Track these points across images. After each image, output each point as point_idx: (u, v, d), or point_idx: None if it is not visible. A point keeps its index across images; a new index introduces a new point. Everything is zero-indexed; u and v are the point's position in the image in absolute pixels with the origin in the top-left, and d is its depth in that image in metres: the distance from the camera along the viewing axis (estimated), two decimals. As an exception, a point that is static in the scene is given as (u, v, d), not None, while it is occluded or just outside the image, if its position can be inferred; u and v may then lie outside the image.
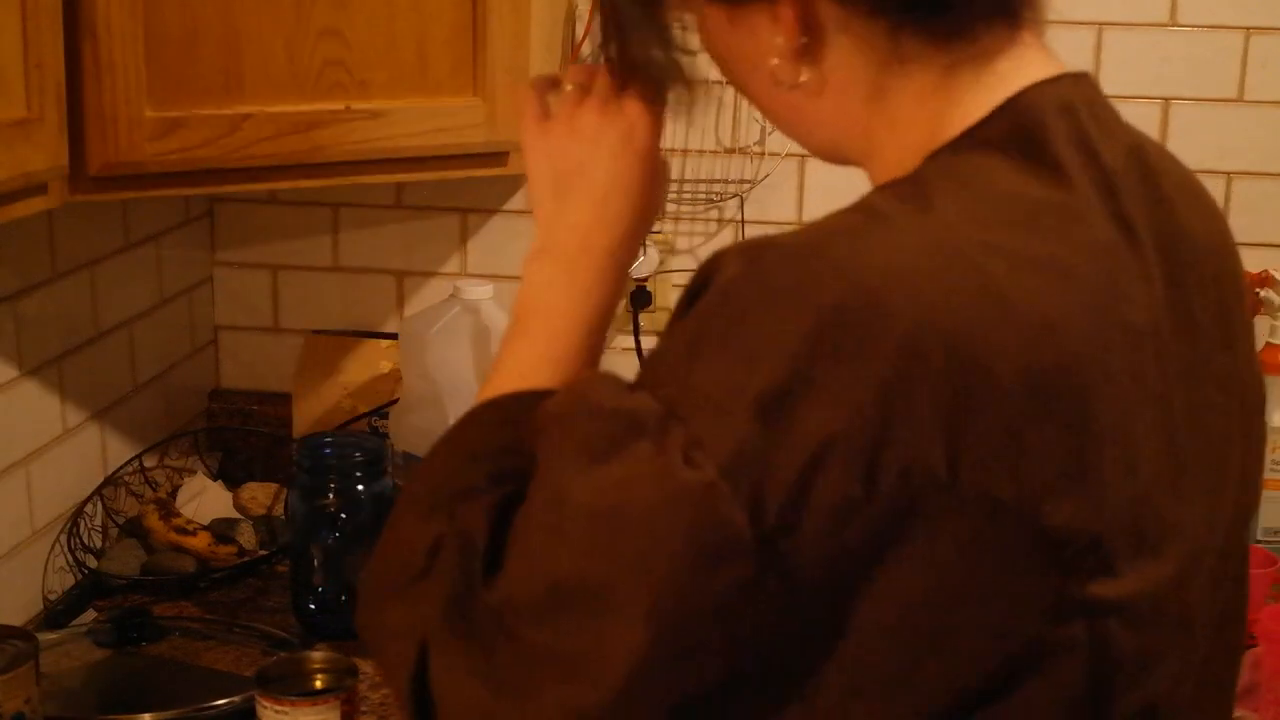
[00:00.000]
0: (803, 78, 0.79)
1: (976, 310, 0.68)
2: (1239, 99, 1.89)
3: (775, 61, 0.79)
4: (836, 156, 0.85)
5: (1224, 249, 0.86)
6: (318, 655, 1.35)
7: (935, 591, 0.68)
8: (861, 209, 0.73)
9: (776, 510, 0.66)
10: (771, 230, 0.74)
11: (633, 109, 0.90)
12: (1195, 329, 0.79)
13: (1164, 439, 0.74)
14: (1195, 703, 0.80)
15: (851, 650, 0.69)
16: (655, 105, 0.91)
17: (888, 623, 0.68)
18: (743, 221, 1.96)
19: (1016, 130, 0.75)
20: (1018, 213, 0.72)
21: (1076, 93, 0.78)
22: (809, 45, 0.78)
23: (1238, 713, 1.45)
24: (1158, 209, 0.78)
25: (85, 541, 1.68)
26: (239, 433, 2.01)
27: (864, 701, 0.70)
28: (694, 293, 0.72)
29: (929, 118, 0.78)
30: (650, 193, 0.91)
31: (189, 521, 1.74)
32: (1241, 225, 1.99)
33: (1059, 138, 0.75)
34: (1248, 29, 1.87)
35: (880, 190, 0.76)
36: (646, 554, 0.67)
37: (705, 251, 1.98)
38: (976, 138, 0.76)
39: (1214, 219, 0.86)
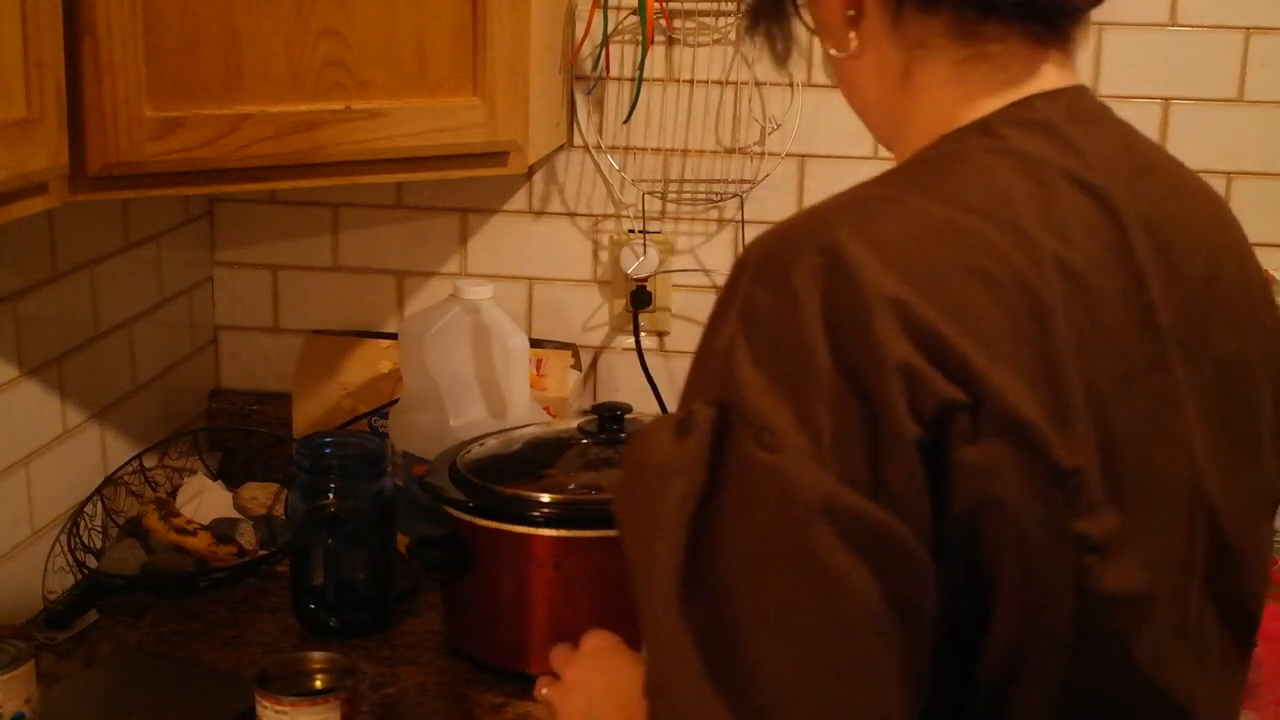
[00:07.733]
0: (853, 45, 0.89)
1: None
2: (1239, 99, 1.89)
3: (835, 24, 0.90)
4: (883, 138, 0.94)
5: (1222, 249, 0.92)
6: (318, 655, 1.35)
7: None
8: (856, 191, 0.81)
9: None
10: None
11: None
12: (1192, 314, 0.84)
13: (1134, 392, 0.78)
14: (1184, 667, 0.83)
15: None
16: None
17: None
18: (743, 221, 1.96)
19: (999, 128, 0.84)
20: (986, 194, 0.80)
21: (1071, 99, 0.86)
22: (854, 18, 0.89)
23: (1237, 712, 1.45)
24: (1147, 201, 0.85)
25: (85, 541, 1.68)
26: (239, 433, 2.01)
27: None
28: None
29: (939, 112, 0.87)
30: None
31: (189, 521, 1.74)
32: (1241, 225, 2.00)
33: (1033, 138, 0.83)
34: (1248, 29, 1.87)
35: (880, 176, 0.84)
36: None
37: (705, 251, 1.98)
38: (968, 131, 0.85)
39: (1217, 222, 0.93)
